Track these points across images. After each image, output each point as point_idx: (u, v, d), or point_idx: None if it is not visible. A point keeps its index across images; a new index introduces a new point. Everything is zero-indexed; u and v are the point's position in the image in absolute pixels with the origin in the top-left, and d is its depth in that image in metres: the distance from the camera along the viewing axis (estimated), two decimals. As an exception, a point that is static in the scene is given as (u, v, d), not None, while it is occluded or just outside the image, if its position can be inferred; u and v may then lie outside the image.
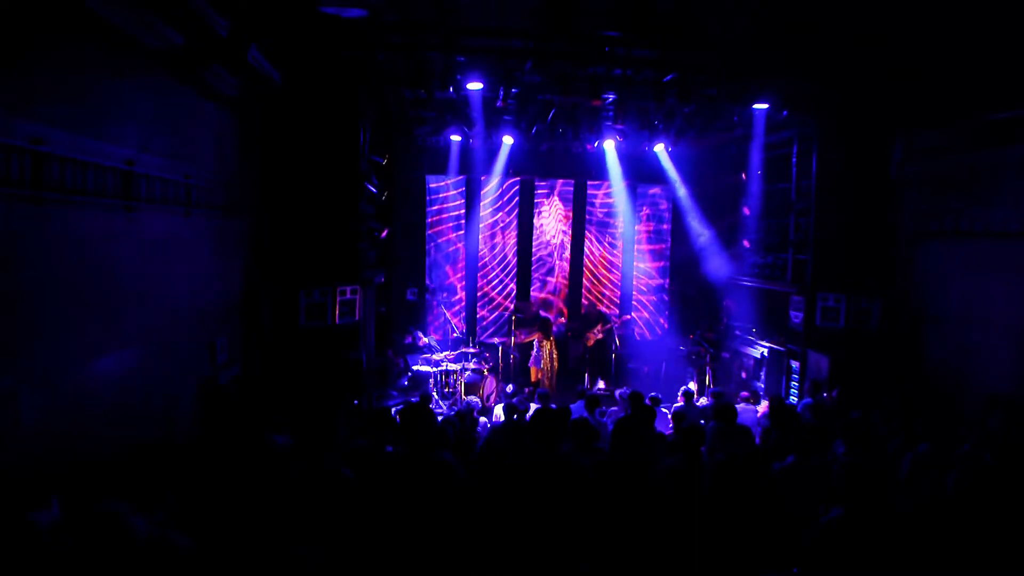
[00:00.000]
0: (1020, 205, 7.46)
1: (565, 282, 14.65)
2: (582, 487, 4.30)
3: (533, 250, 14.47)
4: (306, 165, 8.59)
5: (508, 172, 13.68)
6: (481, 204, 14.04)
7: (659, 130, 11.44)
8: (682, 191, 13.80)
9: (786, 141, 10.99)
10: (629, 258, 14.77)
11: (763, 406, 8.66)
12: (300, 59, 8.14)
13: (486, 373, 11.96)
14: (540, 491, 4.22)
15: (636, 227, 14.65)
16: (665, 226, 14.78)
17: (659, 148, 13.06)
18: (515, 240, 14.40)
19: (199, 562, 2.95)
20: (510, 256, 14.43)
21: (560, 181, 14.44)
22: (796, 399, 9.76)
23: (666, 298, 14.81)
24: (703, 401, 9.41)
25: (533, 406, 8.14)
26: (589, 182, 14.43)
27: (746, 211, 12.52)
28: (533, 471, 4.36)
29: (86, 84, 4.55)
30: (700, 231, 13.82)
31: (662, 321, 14.80)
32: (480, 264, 14.25)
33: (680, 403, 8.99)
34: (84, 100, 4.52)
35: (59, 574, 2.74)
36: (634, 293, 14.85)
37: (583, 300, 14.68)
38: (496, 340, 13.78)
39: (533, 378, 12.43)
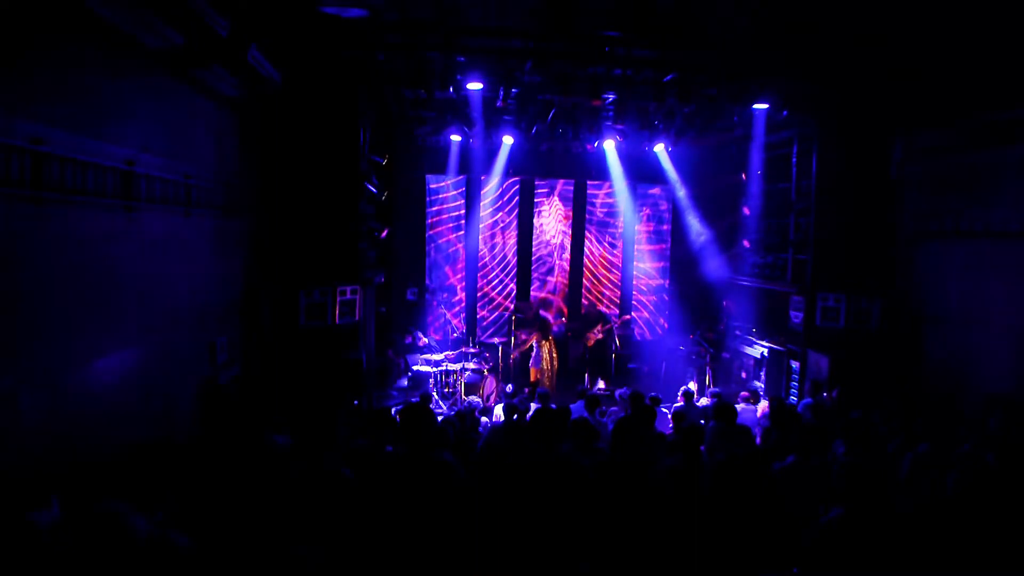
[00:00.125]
0: (1020, 205, 7.46)
1: (565, 282, 14.66)
2: (582, 487, 4.30)
3: (533, 250, 14.48)
4: (306, 165, 8.59)
5: (508, 172, 13.69)
6: (481, 204, 14.04)
7: (659, 130, 11.44)
8: (682, 191, 13.82)
9: (786, 141, 10.99)
10: (629, 258, 14.78)
11: (763, 406, 8.65)
12: (300, 59, 8.14)
13: (486, 373, 11.96)
14: (540, 491, 4.21)
15: (636, 227, 14.65)
16: (665, 226, 14.78)
17: (659, 148, 13.07)
18: (515, 240, 14.41)
19: (199, 562, 2.95)
20: (510, 256, 14.43)
21: (560, 181, 14.44)
22: (796, 399, 9.76)
23: (666, 298, 14.81)
24: (703, 401, 9.41)
25: (533, 406, 8.14)
26: (589, 182, 14.44)
27: (746, 211, 12.53)
28: (533, 471, 4.35)
29: (86, 84, 4.55)
30: (700, 231, 13.83)
31: (662, 321, 14.81)
32: (480, 264, 14.26)
33: (680, 403, 8.98)
34: (84, 100, 4.52)
35: (59, 574, 2.73)
36: (634, 293, 14.86)
37: (583, 300, 14.68)
38: (496, 340, 13.78)
39: (533, 378, 12.44)
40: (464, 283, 14.23)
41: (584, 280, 14.70)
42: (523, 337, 13.12)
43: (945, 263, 8.67)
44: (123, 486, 3.49)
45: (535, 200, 14.40)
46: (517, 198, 14.32)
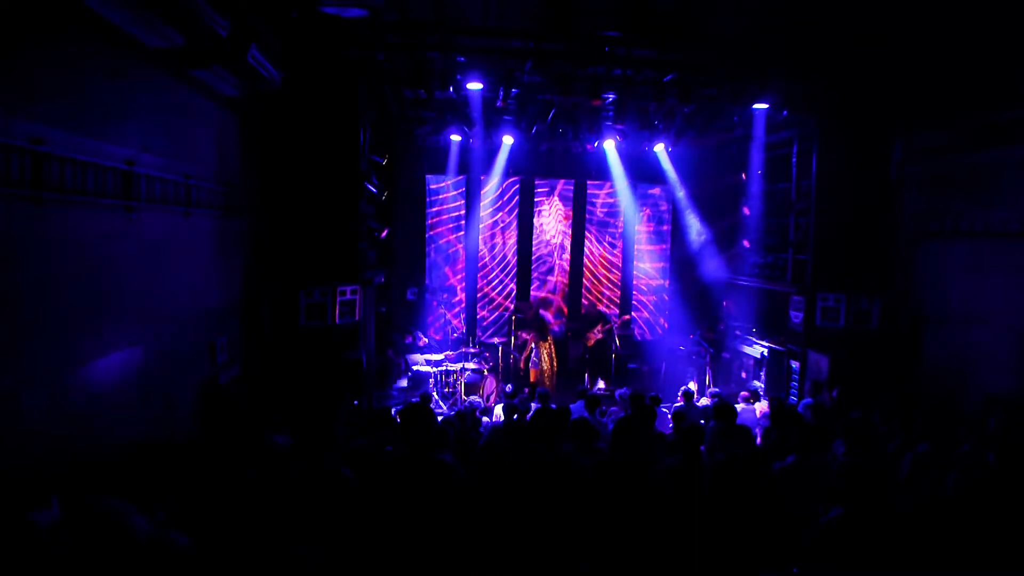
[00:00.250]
0: (1020, 205, 7.46)
1: (565, 282, 14.66)
2: (582, 487, 4.30)
3: (533, 250, 14.47)
4: (306, 165, 8.59)
5: (508, 172, 13.69)
6: (481, 204, 14.04)
7: (659, 130, 11.44)
8: (682, 191, 13.81)
9: (786, 141, 10.99)
10: (629, 258, 14.78)
11: (763, 406, 8.65)
12: (300, 59, 8.13)
13: (486, 373, 11.96)
14: (540, 491, 4.21)
15: (637, 227, 14.65)
16: (665, 226, 14.78)
17: (659, 148, 13.06)
18: (515, 240, 14.41)
19: (199, 562, 2.95)
20: (510, 256, 14.43)
21: (560, 181, 14.44)
22: (796, 399, 9.76)
23: (666, 298, 14.81)
24: (703, 401, 9.40)
25: (533, 406, 8.13)
26: (589, 182, 14.44)
27: (746, 211, 12.53)
28: (533, 471, 4.36)
29: (86, 84, 4.55)
30: (700, 231, 13.83)
31: (662, 321, 14.81)
32: (480, 264, 14.25)
33: (680, 403, 8.98)
34: (84, 100, 4.52)
35: (59, 574, 2.73)
36: (634, 293, 14.86)
37: (583, 300, 14.68)
38: (496, 340, 13.78)
39: (532, 378, 12.44)
40: (464, 283, 14.23)
41: (584, 280, 14.70)
42: (524, 337, 13.12)
43: (945, 263, 8.67)
44: (123, 486, 3.49)
45: (535, 200, 14.40)
46: (517, 198, 14.32)
